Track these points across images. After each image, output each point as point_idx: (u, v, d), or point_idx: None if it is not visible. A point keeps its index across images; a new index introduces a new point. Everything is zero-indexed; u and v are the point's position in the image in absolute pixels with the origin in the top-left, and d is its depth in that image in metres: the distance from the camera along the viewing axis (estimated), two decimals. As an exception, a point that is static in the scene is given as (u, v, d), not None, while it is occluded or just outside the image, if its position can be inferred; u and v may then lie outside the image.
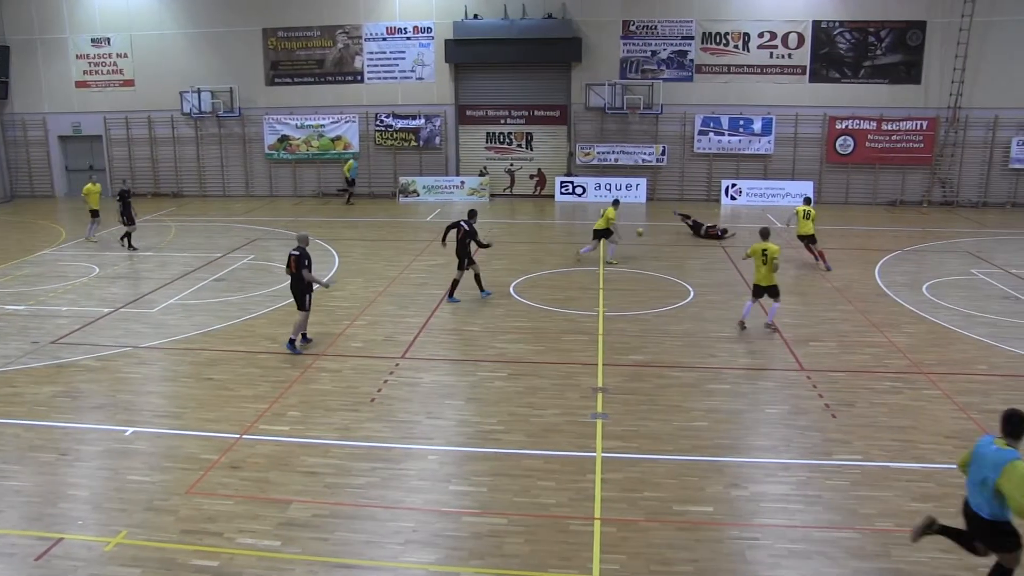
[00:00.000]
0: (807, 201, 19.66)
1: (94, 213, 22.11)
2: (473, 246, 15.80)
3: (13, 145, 32.49)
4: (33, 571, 7.19)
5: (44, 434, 10.03)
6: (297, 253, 12.89)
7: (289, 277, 13.09)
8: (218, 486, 8.67)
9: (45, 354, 12.97)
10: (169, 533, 7.77)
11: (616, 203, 19.49)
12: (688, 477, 8.85)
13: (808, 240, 18.94)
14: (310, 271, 12.92)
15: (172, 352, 13.14)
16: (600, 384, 11.56)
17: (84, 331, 14.19)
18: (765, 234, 13.88)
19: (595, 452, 9.45)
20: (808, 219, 18.74)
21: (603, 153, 29.80)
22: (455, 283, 16.02)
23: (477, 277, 16.04)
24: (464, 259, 15.78)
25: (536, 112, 30.32)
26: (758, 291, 13.93)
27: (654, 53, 28.99)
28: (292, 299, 13.23)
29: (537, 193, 30.73)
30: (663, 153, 29.42)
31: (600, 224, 19.14)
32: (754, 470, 9.11)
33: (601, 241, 19.27)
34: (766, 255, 13.49)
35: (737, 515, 8.11)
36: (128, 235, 21.10)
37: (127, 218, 21.06)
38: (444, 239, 16.29)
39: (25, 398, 11.17)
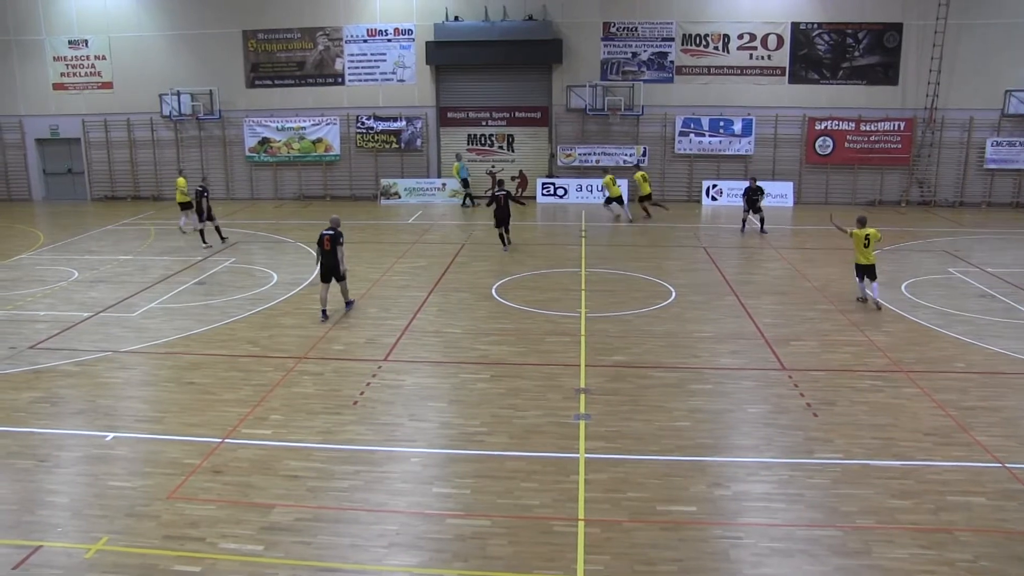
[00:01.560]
0: (637, 166, 26.99)
1: (183, 205, 22.57)
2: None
3: (-11, 148, 32.11)
4: (12, 579, 7.11)
5: (22, 440, 9.90)
6: (332, 232, 14.58)
7: (323, 255, 14.70)
8: (200, 491, 8.60)
9: (23, 360, 12.81)
10: (151, 539, 7.69)
11: (606, 170, 27.33)
12: (671, 477, 8.89)
13: (647, 199, 25.55)
14: (342, 247, 14.69)
15: (153, 356, 13.03)
16: (583, 385, 11.58)
17: (63, 336, 14.04)
18: (863, 222, 15.56)
19: (578, 453, 9.46)
20: (646, 182, 25.56)
21: (584, 154, 29.89)
22: (502, 237, 20.75)
23: (508, 232, 20.64)
24: (504, 219, 20.27)
25: (517, 114, 30.37)
26: (860, 271, 15.59)
27: (634, 55, 29.13)
28: (319, 279, 15.09)
29: (519, 194, 30.76)
30: (644, 154, 29.53)
31: (616, 192, 25.54)
32: (736, 469, 9.16)
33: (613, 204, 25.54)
34: (868, 239, 15.27)
35: (720, 514, 8.16)
36: (202, 232, 21.51)
37: (206, 215, 21.42)
38: (495, 204, 20.47)
39: (2, 404, 11.01)
